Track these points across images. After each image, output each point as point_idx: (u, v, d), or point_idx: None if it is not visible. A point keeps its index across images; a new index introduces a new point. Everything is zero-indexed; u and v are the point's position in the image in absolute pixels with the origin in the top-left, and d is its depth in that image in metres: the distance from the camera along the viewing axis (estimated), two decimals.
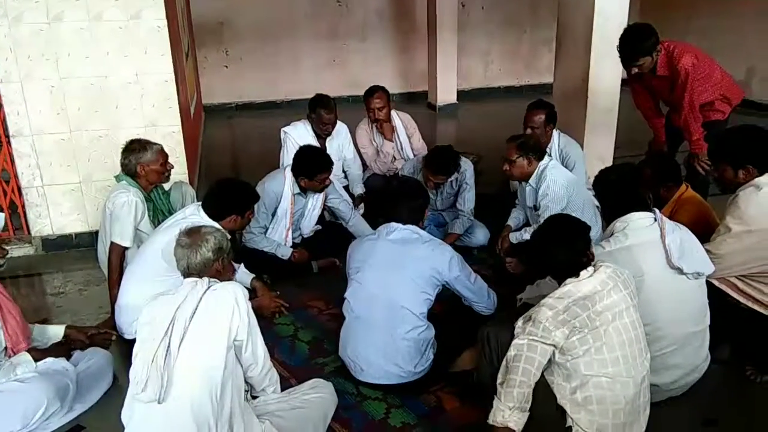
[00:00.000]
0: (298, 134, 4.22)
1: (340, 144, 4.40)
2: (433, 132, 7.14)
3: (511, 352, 2.04)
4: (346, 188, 4.49)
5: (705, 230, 2.81)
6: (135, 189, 3.25)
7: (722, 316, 2.62)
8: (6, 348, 2.47)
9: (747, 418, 2.51)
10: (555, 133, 4.07)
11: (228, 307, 2.06)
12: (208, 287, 2.09)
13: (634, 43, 3.72)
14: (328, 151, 4.27)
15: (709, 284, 2.56)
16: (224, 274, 2.27)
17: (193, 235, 2.22)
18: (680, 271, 2.37)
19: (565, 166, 4.03)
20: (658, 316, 2.34)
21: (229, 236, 2.42)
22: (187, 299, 2.04)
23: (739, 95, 4.02)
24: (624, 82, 4.39)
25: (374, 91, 4.46)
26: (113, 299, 3.06)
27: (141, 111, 4.06)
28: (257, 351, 2.18)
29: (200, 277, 2.15)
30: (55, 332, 2.73)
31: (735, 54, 7.69)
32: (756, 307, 2.61)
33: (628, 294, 2.10)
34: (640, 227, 2.42)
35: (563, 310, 2.01)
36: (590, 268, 2.12)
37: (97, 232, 3.70)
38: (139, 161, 3.25)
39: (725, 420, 2.48)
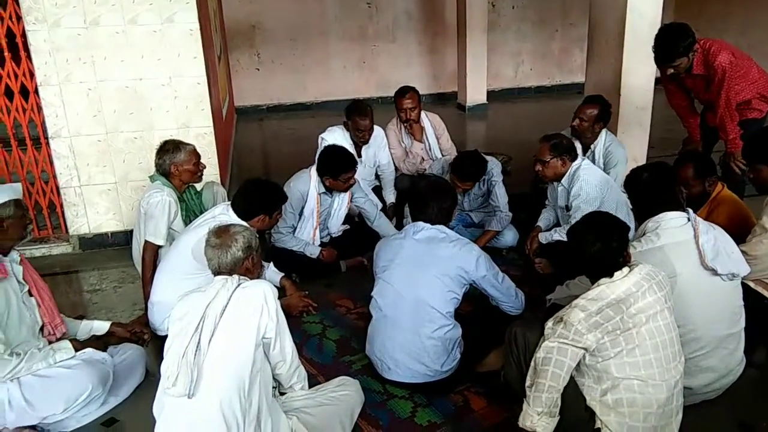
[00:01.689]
0: (334, 140, 4.18)
1: (375, 151, 4.39)
2: (462, 133, 7.11)
3: (540, 354, 2.01)
4: (378, 190, 4.51)
5: (741, 230, 2.74)
6: (169, 189, 3.32)
7: (758, 319, 2.56)
8: (43, 327, 2.54)
9: None
10: (603, 132, 4.00)
11: (257, 305, 2.09)
12: (238, 285, 2.13)
13: (671, 43, 3.65)
14: (363, 158, 4.32)
15: (744, 286, 2.50)
16: (254, 272, 2.30)
17: (222, 235, 2.25)
18: (714, 272, 2.32)
19: (606, 164, 3.99)
20: (691, 318, 2.29)
21: (257, 234, 2.45)
22: (218, 296, 2.08)
23: None
24: (657, 80, 4.32)
25: (406, 91, 4.46)
26: (146, 296, 3.13)
27: (174, 113, 4.15)
28: (285, 349, 2.20)
29: (231, 274, 2.19)
30: (99, 326, 2.80)
31: None
32: None
33: (663, 296, 2.06)
34: (673, 227, 2.38)
35: (596, 312, 1.97)
36: (625, 269, 2.07)
37: (131, 231, 3.78)
38: (173, 161, 3.32)
39: (761, 424, 2.41)
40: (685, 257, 2.31)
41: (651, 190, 2.48)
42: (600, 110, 3.91)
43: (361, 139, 4.18)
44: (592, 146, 4.00)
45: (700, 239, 2.32)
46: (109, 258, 4.14)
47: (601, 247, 2.06)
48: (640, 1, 4.29)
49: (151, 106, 4.11)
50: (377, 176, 4.58)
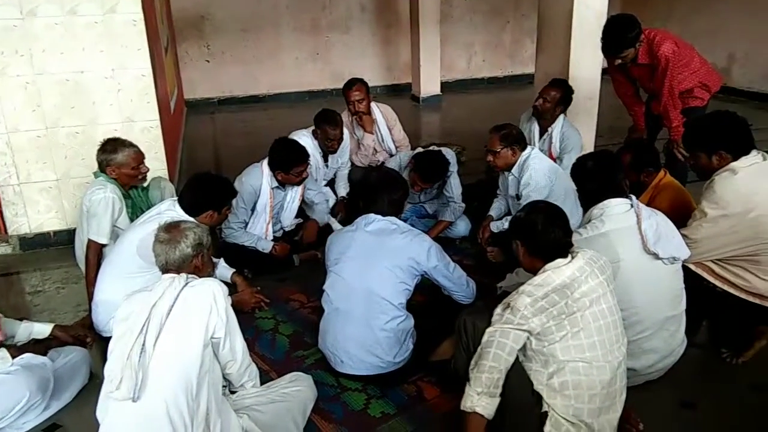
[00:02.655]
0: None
1: (339, 153, 4.32)
2: (417, 124, 7.14)
3: (485, 338, 2.05)
4: (331, 183, 4.47)
5: (683, 216, 2.82)
6: (112, 185, 3.22)
7: (698, 300, 2.64)
8: None
9: (724, 400, 2.53)
10: (561, 116, 4.09)
11: (206, 304, 2.04)
12: (186, 284, 2.07)
13: (618, 35, 3.73)
14: (329, 163, 4.26)
15: (685, 269, 2.58)
16: (203, 270, 2.24)
17: (172, 230, 2.18)
18: (656, 256, 2.38)
19: (562, 149, 4.09)
20: (634, 301, 2.35)
21: (209, 231, 2.40)
22: (164, 296, 2.02)
23: (718, 82, 4.04)
24: (604, 70, 4.41)
25: (353, 83, 4.43)
26: (91, 297, 3.03)
27: (118, 106, 4.01)
28: (236, 348, 2.16)
29: (179, 273, 2.13)
30: (40, 330, 2.69)
31: (716, 41, 7.76)
32: (731, 290, 2.63)
33: (604, 279, 2.10)
34: (617, 213, 2.43)
35: (542, 297, 2.01)
36: (568, 256, 2.12)
37: (75, 230, 3.65)
38: (110, 163, 3.21)
39: (703, 402, 2.50)
40: (628, 242, 2.37)
41: (595, 178, 2.52)
42: (563, 93, 4.03)
43: (330, 148, 4.11)
44: (549, 129, 4.08)
45: (642, 225, 2.38)
46: (51, 258, 3.99)
47: (558, 231, 2.10)
48: None
49: (94, 99, 3.96)
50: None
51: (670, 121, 3.85)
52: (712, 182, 2.62)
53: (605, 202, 2.46)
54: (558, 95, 4.01)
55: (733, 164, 2.58)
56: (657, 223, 2.43)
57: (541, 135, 4.15)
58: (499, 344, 2.01)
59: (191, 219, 2.68)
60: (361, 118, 4.49)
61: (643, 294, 2.37)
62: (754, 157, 2.59)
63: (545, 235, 2.11)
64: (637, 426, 2.32)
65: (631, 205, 2.45)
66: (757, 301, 2.60)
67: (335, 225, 3.99)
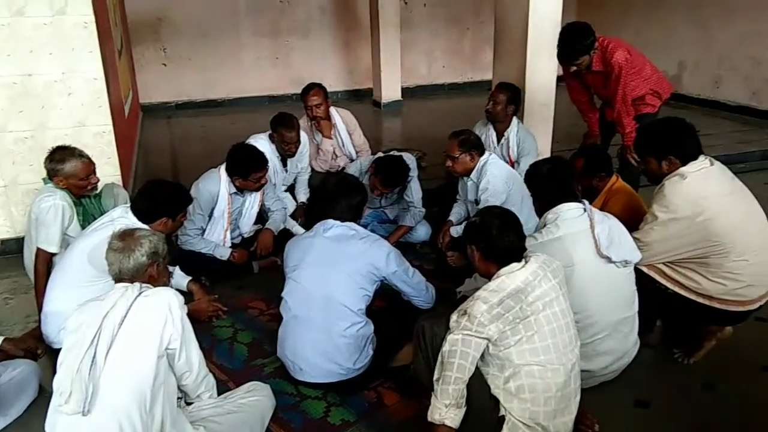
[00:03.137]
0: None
1: (299, 158, 4.28)
2: (378, 129, 7.14)
3: (446, 348, 2.04)
4: (291, 189, 4.43)
5: (635, 219, 2.88)
6: (62, 192, 3.11)
7: (651, 302, 2.71)
8: None
9: (676, 398, 2.60)
10: (515, 119, 4.16)
11: (160, 314, 1.98)
12: (140, 293, 2.01)
13: (573, 42, 3.81)
14: (288, 168, 4.21)
15: (637, 271, 2.64)
16: (159, 279, 2.18)
17: (126, 238, 2.12)
18: (609, 260, 2.43)
19: (519, 153, 4.16)
20: (588, 304, 2.40)
21: (165, 239, 2.34)
22: (116, 306, 1.95)
23: (669, 90, 4.17)
24: (560, 78, 4.50)
25: (310, 88, 4.41)
26: (40, 308, 2.92)
27: (69, 111, 3.89)
28: (192, 359, 2.11)
29: (132, 282, 2.07)
30: None
31: (667, 49, 8.01)
32: (682, 291, 2.69)
33: (557, 283, 2.13)
34: (570, 218, 2.47)
35: (497, 304, 2.01)
36: (522, 260, 2.14)
37: (24, 238, 3.52)
38: (57, 173, 3.10)
39: (656, 401, 2.56)
40: (582, 247, 2.41)
41: (549, 184, 2.56)
42: (511, 94, 4.11)
43: (287, 151, 4.06)
44: (505, 133, 4.14)
45: (595, 229, 2.42)
46: None
47: (511, 236, 2.13)
48: (542, 2, 4.46)
49: (43, 103, 3.84)
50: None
51: (623, 127, 3.95)
52: (662, 187, 2.69)
53: (559, 206, 2.50)
54: (505, 97, 4.09)
55: (682, 169, 2.65)
56: (609, 227, 2.48)
57: (499, 139, 4.21)
58: (463, 354, 2.00)
59: (145, 226, 2.61)
60: (319, 123, 4.46)
61: (596, 297, 2.42)
62: (702, 162, 2.67)
63: (499, 240, 2.13)
64: (592, 426, 2.36)
65: (584, 210, 2.50)
66: (706, 302, 2.66)
67: (297, 229, 3.96)
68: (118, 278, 2.09)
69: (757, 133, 6.46)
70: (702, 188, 2.62)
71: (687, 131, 2.68)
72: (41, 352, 2.76)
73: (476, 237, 2.21)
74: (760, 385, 2.69)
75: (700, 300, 2.67)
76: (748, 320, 2.79)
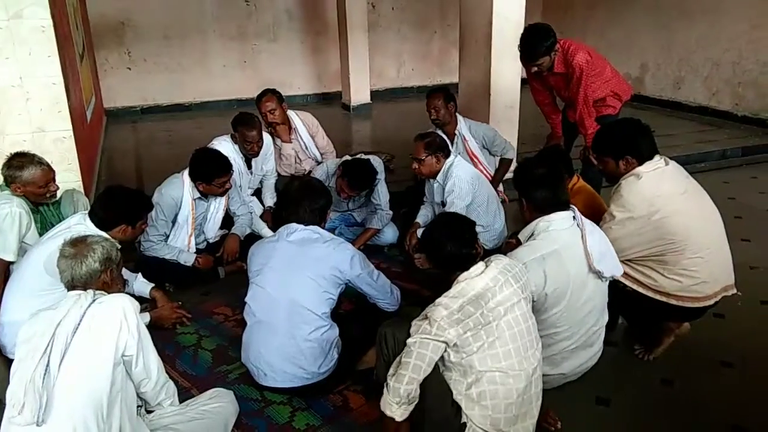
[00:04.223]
0: (223, 152, 3.93)
1: (263, 160, 4.25)
2: (347, 132, 7.14)
3: (405, 349, 2.04)
4: (258, 193, 4.40)
5: (595, 219, 2.92)
6: (18, 199, 3.04)
7: (611, 300, 2.76)
8: None
9: (636, 394, 2.65)
10: (459, 117, 4.21)
11: (115, 321, 1.96)
12: (93, 300, 1.98)
13: (535, 43, 3.87)
14: (252, 170, 4.19)
15: None
16: (113, 286, 2.15)
17: (78, 244, 2.10)
18: (598, 274, 2.42)
19: (491, 143, 4.25)
20: (569, 318, 2.41)
21: (119, 246, 2.30)
22: (69, 314, 1.92)
23: (628, 91, 4.26)
24: (524, 81, 4.56)
25: (263, 94, 4.40)
26: None
27: (27, 116, 3.80)
28: (150, 365, 2.08)
29: (85, 289, 2.04)
30: None
31: (629, 52, 8.19)
32: (640, 289, 2.75)
33: (519, 287, 2.13)
34: (563, 228, 2.42)
35: (458, 310, 2.01)
36: (481, 264, 2.13)
37: None
38: (15, 180, 3.04)
39: (617, 398, 2.61)
40: (575, 260, 2.38)
41: (543, 188, 2.47)
42: (444, 94, 4.21)
43: (250, 151, 4.02)
44: (456, 131, 4.18)
45: (588, 241, 2.39)
46: None
47: (454, 244, 2.12)
48: (506, 5, 4.53)
49: (0, 108, 3.74)
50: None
51: (585, 128, 4.02)
52: (619, 186, 2.74)
53: (551, 216, 2.43)
54: (442, 99, 4.17)
55: (638, 169, 2.71)
56: (600, 238, 2.47)
57: (452, 141, 4.21)
58: (419, 355, 2.00)
59: (101, 233, 2.56)
60: (275, 128, 4.44)
61: (578, 311, 2.42)
62: (657, 162, 2.73)
63: (441, 250, 2.14)
64: (555, 424, 2.40)
65: (574, 218, 2.46)
66: (663, 299, 2.72)
67: (266, 232, 3.92)
68: (70, 286, 2.06)
69: (716, 132, 6.64)
70: (657, 187, 2.67)
71: (642, 132, 2.74)
72: None
73: (424, 246, 2.27)
74: (719, 380, 2.76)
75: (657, 297, 2.73)
76: (706, 317, 2.86)
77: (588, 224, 2.47)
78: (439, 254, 2.15)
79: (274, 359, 2.52)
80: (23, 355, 1.91)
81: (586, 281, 2.42)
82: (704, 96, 7.43)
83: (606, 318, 2.61)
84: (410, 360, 2.00)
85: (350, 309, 3.05)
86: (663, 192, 2.67)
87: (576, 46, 3.94)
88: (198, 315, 3.26)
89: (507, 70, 4.69)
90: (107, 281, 2.11)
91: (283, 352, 2.51)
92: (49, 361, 1.84)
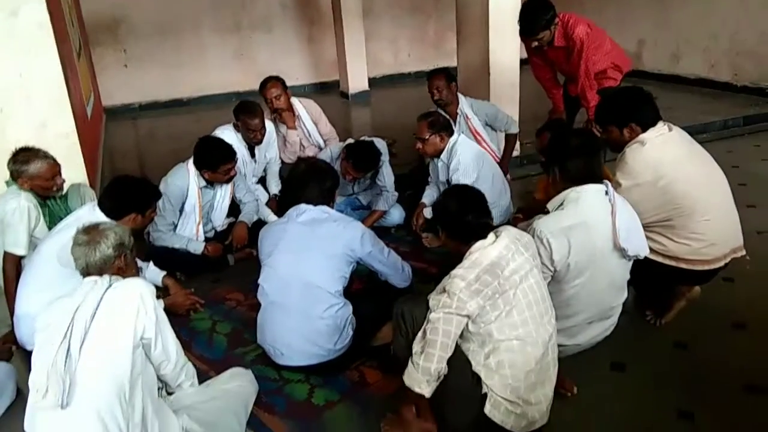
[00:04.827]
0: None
1: (266, 147, 4.26)
2: (347, 120, 7.15)
3: (428, 325, 2.02)
4: (264, 181, 4.41)
5: None
6: (26, 194, 3.06)
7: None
8: None
9: (650, 359, 2.67)
10: (461, 96, 4.20)
11: (132, 304, 1.97)
12: (110, 285, 2.00)
13: (534, 17, 3.87)
14: (256, 158, 4.19)
15: None
16: (127, 271, 2.17)
17: (91, 232, 2.11)
18: (623, 252, 2.41)
19: (494, 119, 4.25)
20: (590, 293, 2.42)
21: (130, 231, 2.32)
22: (87, 299, 1.94)
23: (629, 64, 4.27)
24: (524, 61, 4.55)
25: (268, 81, 4.39)
26: (11, 312, 2.87)
27: (29, 114, 3.79)
28: (168, 347, 2.10)
29: (101, 275, 2.05)
30: None
31: (627, 27, 8.16)
32: (650, 255, 2.74)
33: (530, 255, 2.15)
34: (594, 202, 2.39)
35: (475, 280, 2.01)
36: (491, 235, 2.14)
37: None
38: (21, 175, 3.05)
39: (631, 363, 2.63)
40: (602, 235, 2.36)
41: (579, 159, 2.44)
42: (445, 74, 4.20)
43: (253, 139, 4.03)
44: (458, 111, 4.17)
45: (617, 219, 2.37)
46: None
47: (473, 214, 2.13)
48: None
49: (1, 107, 3.74)
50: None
51: (587, 101, 4.02)
52: (624, 155, 2.75)
53: (583, 187, 2.41)
54: (443, 80, 4.15)
55: (642, 136, 2.71)
56: (627, 216, 2.45)
57: (455, 120, 4.21)
58: (445, 332, 1.99)
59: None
60: (281, 114, 4.44)
61: (598, 285, 2.43)
62: (661, 128, 2.73)
63: (460, 219, 2.14)
64: (571, 390, 2.42)
65: (606, 192, 2.43)
66: (673, 263, 2.73)
67: (271, 218, 3.94)
68: (85, 272, 2.07)
69: (716, 103, 6.64)
70: (661, 153, 2.67)
71: (645, 99, 2.74)
72: (9, 347, 2.72)
73: (439, 217, 2.24)
74: (731, 341, 2.77)
75: (667, 262, 2.74)
76: (716, 281, 2.88)
77: (619, 200, 2.44)
78: (457, 224, 2.14)
79: (291, 338, 2.54)
80: (42, 341, 1.93)
81: (610, 257, 2.41)
82: (703, 68, 7.42)
83: (625, 295, 2.60)
84: (437, 338, 1.99)
85: (360, 288, 3.07)
86: (668, 157, 2.68)
87: (576, 19, 3.93)
88: (210, 301, 3.28)
89: (506, 48, 4.68)
90: (122, 266, 2.13)
91: (299, 331, 2.53)
92: (69, 345, 1.86)
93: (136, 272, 2.31)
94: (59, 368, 1.82)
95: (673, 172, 2.65)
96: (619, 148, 2.81)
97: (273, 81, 4.38)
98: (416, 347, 2.06)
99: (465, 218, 2.13)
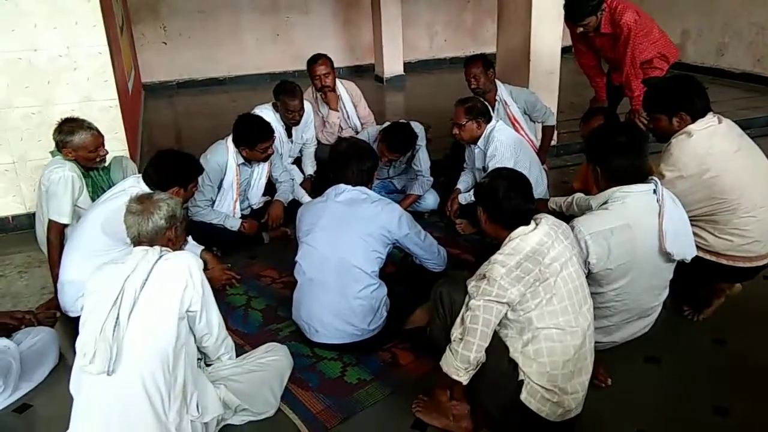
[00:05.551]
0: None
1: (303, 128, 4.26)
2: (381, 104, 7.12)
3: (467, 312, 2.00)
4: (297, 162, 4.43)
5: None
6: (71, 164, 3.12)
7: None
8: None
9: (686, 354, 2.64)
10: (498, 83, 4.14)
11: (181, 277, 2.00)
12: (160, 256, 2.02)
13: (581, 3, 3.80)
14: (292, 138, 4.21)
15: None
16: (177, 243, 2.18)
17: (144, 201, 2.11)
18: (669, 256, 2.37)
19: (532, 108, 4.17)
20: (631, 295, 2.39)
21: (182, 204, 2.34)
22: (138, 269, 1.97)
23: (676, 54, 4.17)
24: (564, 49, 4.46)
25: (318, 58, 4.37)
26: (55, 279, 2.95)
27: (75, 85, 3.89)
28: (212, 321, 2.14)
29: (151, 245, 2.07)
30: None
31: (671, 17, 7.93)
32: None
33: (569, 244, 2.11)
34: (641, 203, 2.33)
35: (515, 267, 1.98)
36: (532, 222, 2.11)
37: (34, 214, 3.54)
38: (66, 145, 3.10)
39: (666, 357, 2.60)
40: (647, 238, 2.32)
41: (624, 157, 2.37)
42: (482, 61, 4.08)
43: (291, 120, 4.04)
44: (496, 98, 4.11)
45: (664, 221, 2.32)
46: (11, 243, 3.87)
47: (520, 199, 2.09)
48: None
49: (49, 78, 3.83)
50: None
51: (632, 90, 3.94)
52: (670, 145, 2.69)
53: (630, 187, 2.34)
54: (480, 67, 4.05)
55: (690, 127, 2.65)
56: (677, 218, 2.38)
57: (493, 107, 4.16)
58: (485, 321, 1.97)
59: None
60: (326, 94, 4.43)
61: (639, 287, 2.40)
62: (710, 120, 2.66)
63: (506, 202, 2.09)
64: (605, 381, 2.40)
65: (654, 191, 2.36)
66: (713, 258, 2.68)
67: (306, 200, 3.97)
68: (137, 241, 2.09)
69: (761, 99, 6.45)
70: (708, 146, 2.61)
71: (697, 88, 2.67)
72: (55, 314, 2.80)
73: (483, 198, 2.18)
74: None
75: (708, 257, 2.68)
76: (758, 279, 2.82)
77: (668, 200, 2.36)
78: (502, 208, 2.10)
79: (326, 316, 2.57)
80: (92, 305, 1.97)
81: (654, 260, 2.36)
82: (748, 62, 7.20)
83: (666, 294, 2.56)
84: (477, 327, 1.97)
85: (393, 271, 3.07)
86: (715, 150, 2.62)
87: (624, 5, 3.84)
88: (246, 277, 3.33)
89: (547, 34, 4.60)
90: (172, 238, 2.14)
91: (335, 310, 2.55)
92: (119, 314, 1.89)
93: (184, 244, 2.34)
94: (107, 336, 1.86)
95: (720, 165, 2.60)
96: (666, 137, 2.75)
97: (323, 58, 4.35)
98: (455, 333, 2.04)
99: (511, 202, 2.09)
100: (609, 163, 2.40)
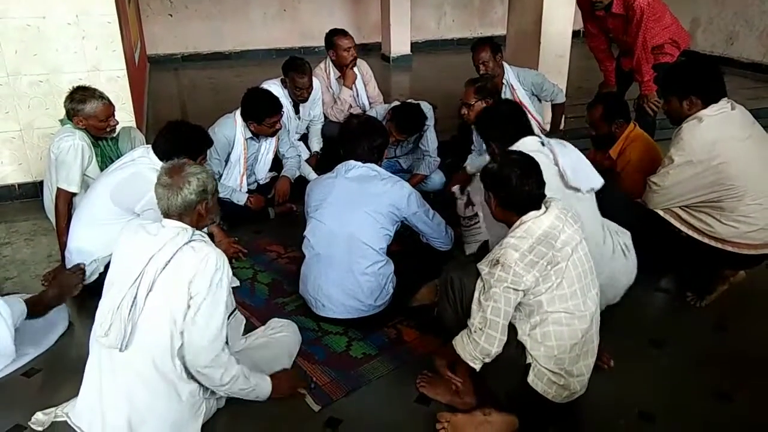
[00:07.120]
0: None
1: (311, 105, 4.23)
2: (387, 83, 7.08)
3: (489, 303, 1.97)
4: (304, 139, 4.42)
5: (652, 166, 2.91)
6: (80, 133, 3.11)
7: (664, 246, 2.74)
8: None
9: (689, 338, 2.66)
10: (505, 66, 4.11)
11: (196, 266, 1.92)
12: (190, 240, 1.96)
13: None
14: (300, 114, 4.19)
15: (653, 215, 2.65)
16: (206, 217, 2.09)
17: (174, 175, 1.99)
18: (577, 190, 2.42)
19: (541, 89, 4.15)
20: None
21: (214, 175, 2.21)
22: (164, 249, 1.91)
23: (687, 40, 4.14)
24: (575, 33, 4.42)
25: (341, 31, 4.30)
26: (62, 246, 2.96)
27: (83, 54, 3.86)
28: (212, 322, 1.96)
29: (181, 219, 2.00)
30: (21, 309, 2.50)
31: (681, 4, 7.84)
32: (696, 235, 2.72)
33: (579, 227, 2.10)
34: (533, 151, 2.34)
35: (528, 250, 1.96)
36: (542, 207, 2.08)
37: (41, 183, 3.55)
38: (77, 113, 3.08)
39: (669, 341, 2.62)
40: (550, 180, 2.21)
41: (508, 121, 2.58)
42: (491, 45, 4.04)
43: (299, 97, 4.02)
44: (503, 82, 4.08)
45: (560, 161, 2.41)
46: (17, 211, 3.88)
47: (531, 184, 2.05)
48: None
49: (57, 46, 3.80)
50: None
51: (642, 75, 3.92)
52: (680, 130, 2.69)
53: (521, 140, 2.48)
54: (488, 50, 4.01)
55: (701, 112, 2.65)
56: (571, 157, 2.48)
57: (500, 92, 4.12)
58: (506, 314, 1.96)
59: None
60: (345, 70, 4.35)
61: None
62: (723, 105, 2.66)
63: (520, 189, 2.05)
64: (608, 363, 2.42)
65: (543, 143, 2.49)
66: (718, 245, 2.70)
67: (312, 176, 3.96)
68: (166, 214, 2.02)
69: None
70: (719, 132, 2.62)
71: (713, 73, 2.67)
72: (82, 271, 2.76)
73: (495, 185, 2.12)
74: None
75: (713, 243, 2.71)
76: (760, 267, 2.83)
77: (557, 144, 2.49)
78: (516, 196, 2.06)
79: (333, 291, 2.58)
80: (114, 276, 1.98)
81: (569, 200, 2.30)
82: (758, 52, 7.14)
83: (628, 236, 2.60)
84: (499, 320, 1.96)
85: (398, 250, 3.08)
86: (725, 136, 2.62)
87: None
88: (252, 251, 3.35)
89: (559, 16, 4.56)
90: (202, 212, 2.04)
91: (341, 285, 2.57)
92: (137, 293, 1.88)
93: (216, 218, 2.25)
94: (123, 314, 1.87)
95: (729, 151, 2.60)
96: (678, 121, 2.75)
97: (346, 33, 4.32)
98: (474, 322, 2.02)
99: (524, 190, 2.05)
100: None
